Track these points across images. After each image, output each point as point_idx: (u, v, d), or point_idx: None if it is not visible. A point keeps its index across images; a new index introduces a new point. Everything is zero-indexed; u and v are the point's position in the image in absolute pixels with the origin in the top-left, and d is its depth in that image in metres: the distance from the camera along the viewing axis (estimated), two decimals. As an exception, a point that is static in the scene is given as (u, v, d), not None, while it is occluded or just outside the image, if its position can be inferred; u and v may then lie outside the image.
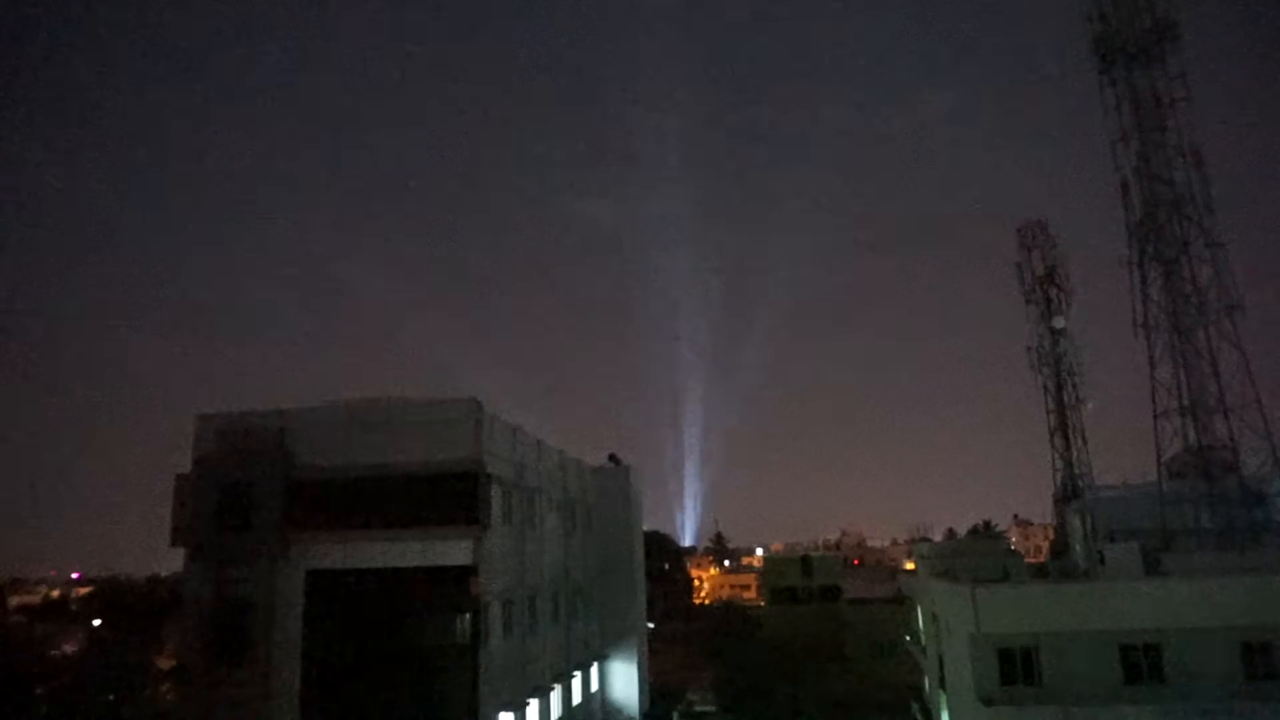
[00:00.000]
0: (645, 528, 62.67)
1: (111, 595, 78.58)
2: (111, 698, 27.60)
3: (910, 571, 59.99)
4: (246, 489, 31.36)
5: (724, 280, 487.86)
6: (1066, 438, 53.22)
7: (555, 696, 38.62)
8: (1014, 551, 55.52)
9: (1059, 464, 53.44)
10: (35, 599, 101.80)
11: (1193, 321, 33.49)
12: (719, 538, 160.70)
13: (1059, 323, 53.36)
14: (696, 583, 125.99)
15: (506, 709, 32.17)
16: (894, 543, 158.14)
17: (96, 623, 69.98)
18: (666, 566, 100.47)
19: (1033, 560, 63.00)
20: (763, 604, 74.80)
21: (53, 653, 31.10)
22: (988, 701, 25.66)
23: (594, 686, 46.51)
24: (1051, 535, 72.88)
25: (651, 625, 60.31)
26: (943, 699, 33.21)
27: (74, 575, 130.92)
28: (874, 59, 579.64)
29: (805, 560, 68.85)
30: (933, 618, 35.11)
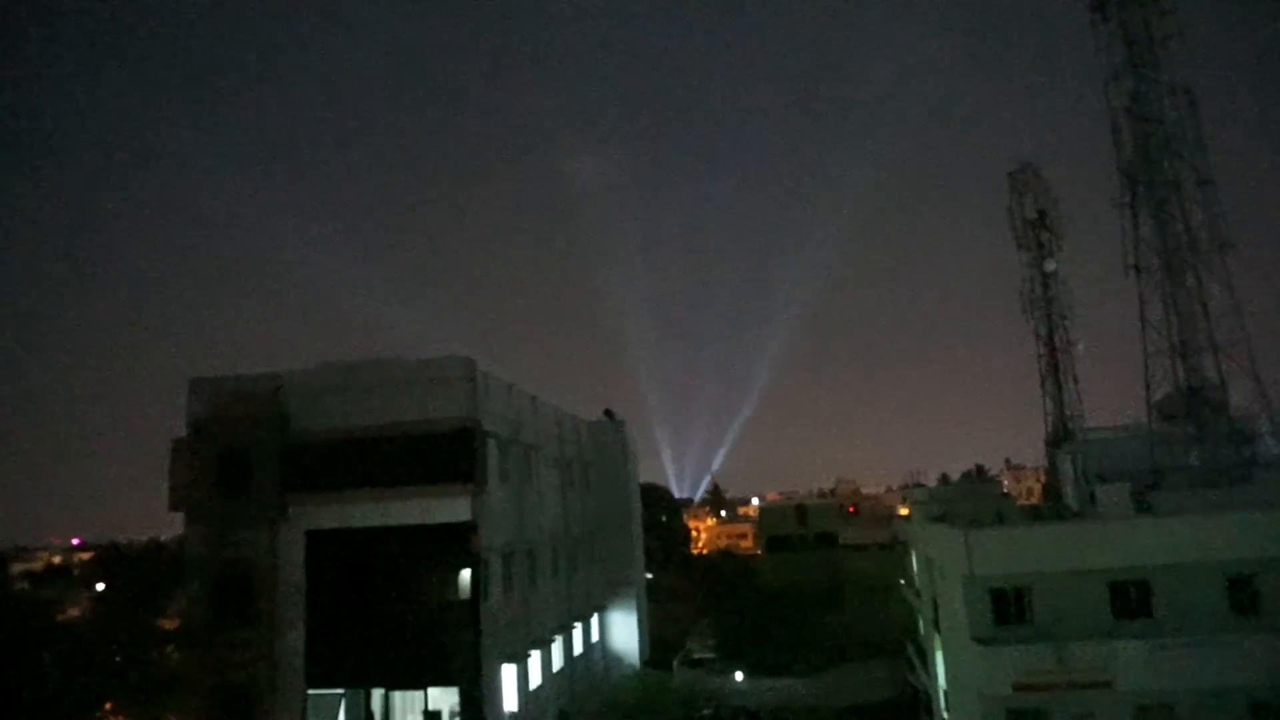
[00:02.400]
0: (641, 480, 63.19)
1: (114, 560, 79.09)
2: (118, 660, 27.92)
3: (904, 517, 60.68)
4: (242, 452, 31.48)
5: (715, 234, 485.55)
6: (1058, 381, 53.35)
7: (556, 648, 39.26)
8: (1006, 495, 56.17)
9: (1050, 407, 53.70)
10: (38, 566, 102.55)
11: (1184, 261, 33.45)
12: (715, 489, 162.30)
13: (1050, 266, 53.13)
14: (694, 533, 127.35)
15: (509, 661, 32.72)
16: (888, 489, 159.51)
17: (100, 587, 70.58)
18: (663, 518, 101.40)
19: (1025, 503, 63.83)
20: (759, 553, 75.67)
21: (58, 618, 31.36)
22: (982, 641, 26.13)
23: (595, 637, 47.27)
24: (1043, 478, 73.65)
25: (650, 576, 61.09)
26: (937, 640, 33.80)
27: (75, 541, 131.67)
28: (857, 6, 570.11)
29: (800, 509, 69.52)
30: (927, 561, 35.60)
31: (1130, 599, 25.81)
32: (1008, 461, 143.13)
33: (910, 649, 42.52)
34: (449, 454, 30.66)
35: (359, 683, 31.42)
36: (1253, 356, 32.36)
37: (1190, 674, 24.36)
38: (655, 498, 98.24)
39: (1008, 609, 26.42)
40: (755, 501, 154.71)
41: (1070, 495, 40.19)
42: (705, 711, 42.06)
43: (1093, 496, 33.45)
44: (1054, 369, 53.51)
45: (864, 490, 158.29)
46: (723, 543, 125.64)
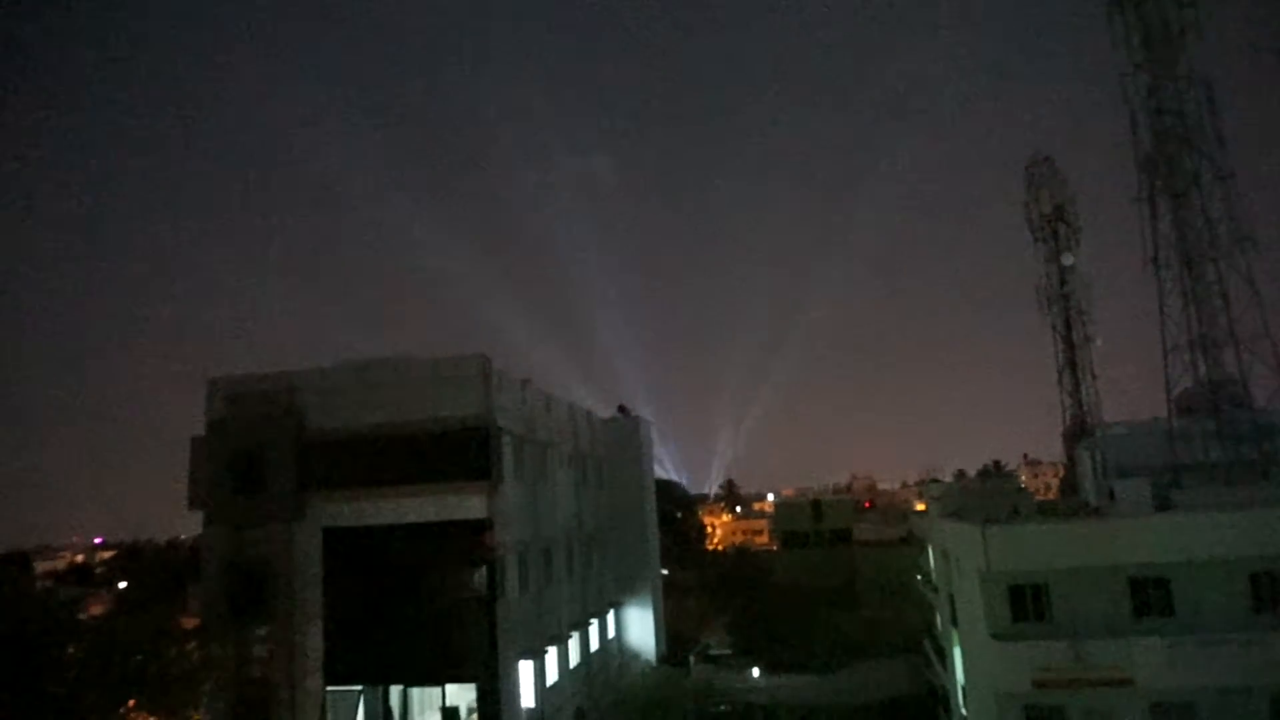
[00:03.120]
0: (656, 476, 63.18)
1: (135, 559, 79.94)
2: (138, 658, 28.17)
3: (921, 512, 60.46)
4: (259, 450, 31.68)
5: (725, 229, 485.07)
6: (1075, 376, 53.07)
7: (573, 644, 39.34)
8: (1024, 490, 55.79)
9: (1068, 402, 53.39)
10: (60, 564, 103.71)
11: (1203, 255, 33.12)
12: (730, 484, 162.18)
13: (1068, 260, 52.83)
14: (709, 529, 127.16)
15: (526, 657, 32.80)
16: (904, 485, 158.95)
17: (122, 585, 71.42)
18: (678, 514, 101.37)
19: (1042, 498, 63.40)
20: (775, 549, 75.68)
21: (80, 616, 31.66)
22: (999, 637, 26.03)
23: (611, 633, 47.35)
24: (1061, 473, 73.20)
25: (665, 572, 61.11)
26: (955, 636, 33.69)
27: (96, 540, 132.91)
28: (869, 4, 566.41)
29: (816, 505, 69.57)
30: (944, 557, 35.47)
31: (1150, 596, 25.62)
32: (1025, 456, 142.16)
33: (927, 645, 42.39)
34: (464, 452, 30.74)
35: (377, 679, 31.63)
36: (1275, 350, 32.00)
37: (1211, 672, 24.17)
38: (670, 494, 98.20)
39: (1026, 605, 26.29)
40: (771, 497, 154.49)
41: (1089, 491, 39.91)
42: (722, 708, 42.10)
43: (1111, 493, 33.17)
44: (1072, 364, 53.21)
45: (880, 486, 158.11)
46: (738, 539, 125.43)
